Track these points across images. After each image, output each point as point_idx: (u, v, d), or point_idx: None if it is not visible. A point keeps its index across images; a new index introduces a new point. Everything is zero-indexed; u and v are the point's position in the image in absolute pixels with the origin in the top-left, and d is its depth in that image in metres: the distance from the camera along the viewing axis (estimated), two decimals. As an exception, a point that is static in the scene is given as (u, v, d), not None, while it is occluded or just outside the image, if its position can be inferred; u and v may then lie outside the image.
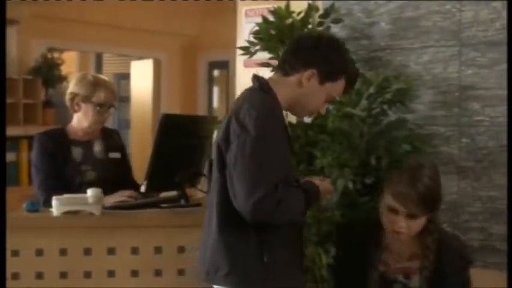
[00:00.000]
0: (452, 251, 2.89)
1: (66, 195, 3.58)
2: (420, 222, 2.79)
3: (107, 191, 3.72)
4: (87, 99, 4.05)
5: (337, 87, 2.81)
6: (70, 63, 9.48)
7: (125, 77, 10.82)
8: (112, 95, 4.12)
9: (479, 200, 3.50)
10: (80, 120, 4.10)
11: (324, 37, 2.91)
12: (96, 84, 4.08)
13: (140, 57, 10.09)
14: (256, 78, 2.82)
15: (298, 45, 2.84)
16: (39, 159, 4.01)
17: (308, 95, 2.78)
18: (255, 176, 2.56)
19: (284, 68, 2.81)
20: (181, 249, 3.59)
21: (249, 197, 2.55)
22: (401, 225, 2.76)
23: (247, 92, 2.80)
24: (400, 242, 2.85)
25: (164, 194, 4.00)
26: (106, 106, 4.08)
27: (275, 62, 3.66)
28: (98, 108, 4.04)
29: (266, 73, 3.74)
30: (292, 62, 2.79)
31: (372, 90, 3.45)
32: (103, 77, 4.35)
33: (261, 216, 2.58)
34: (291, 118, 3.74)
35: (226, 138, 2.69)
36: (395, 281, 2.88)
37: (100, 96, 4.05)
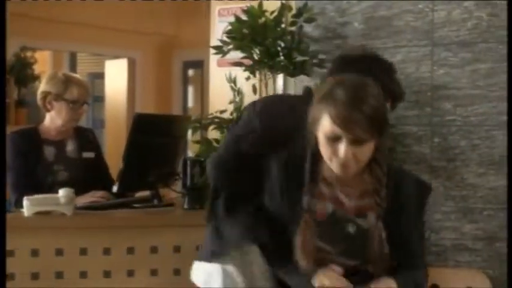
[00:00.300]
0: (407, 182, 2.52)
1: (37, 196, 3.56)
2: (367, 150, 2.35)
3: (80, 191, 3.70)
4: (59, 97, 4.02)
5: None
6: (43, 63, 9.43)
7: (99, 76, 10.78)
8: (85, 92, 4.10)
9: (452, 200, 3.51)
10: (53, 119, 4.07)
11: (376, 60, 2.98)
12: (67, 81, 4.05)
13: (115, 57, 10.05)
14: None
15: (349, 65, 2.83)
16: (11, 159, 3.98)
17: None
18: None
19: None
20: (154, 250, 3.58)
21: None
22: (347, 154, 2.31)
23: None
24: (348, 177, 2.43)
25: (139, 194, 3.99)
26: (79, 103, 4.05)
27: (248, 62, 3.66)
28: (71, 105, 4.02)
29: (239, 73, 3.76)
30: None
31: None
32: (74, 74, 4.33)
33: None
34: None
35: None
36: (348, 220, 2.45)
37: (73, 93, 4.02)
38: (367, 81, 2.38)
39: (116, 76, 9.98)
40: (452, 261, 3.51)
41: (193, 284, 2.94)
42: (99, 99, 10.81)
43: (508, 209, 3.30)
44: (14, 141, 4.03)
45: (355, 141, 2.30)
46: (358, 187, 2.47)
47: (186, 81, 10.22)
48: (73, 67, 11.03)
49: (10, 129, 6.51)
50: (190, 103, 10.24)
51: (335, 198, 2.47)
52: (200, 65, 9.42)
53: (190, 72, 10.26)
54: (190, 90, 10.32)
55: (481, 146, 3.44)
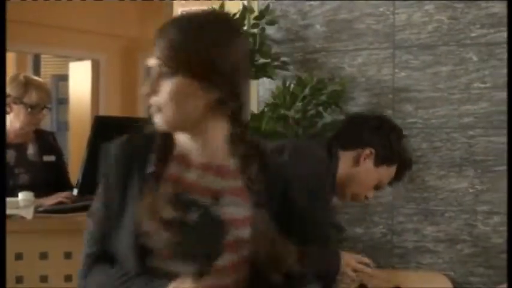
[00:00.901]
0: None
1: (-5, 199, 3.52)
2: (180, 87, 1.85)
3: (41, 194, 3.66)
4: (18, 100, 3.98)
5: (388, 172, 2.86)
6: (8, 64, 9.33)
7: (64, 78, 10.69)
8: (45, 96, 4.05)
9: (413, 202, 3.53)
10: (11, 122, 4.02)
11: (386, 120, 2.97)
12: (27, 84, 4.01)
13: (79, 59, 9.97)
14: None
15: (360, 122, 2.89)
16: None
17: (361, 173, 2.78)
18: None
19: (342, 141, 2.83)
20: (115, 253, 3.55)
21: None
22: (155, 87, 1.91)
23: None
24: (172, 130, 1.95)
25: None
26: (39, 107, 4.01)
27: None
28: (29, 109, 3.97)
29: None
30: (352, 137, 2.83)
31: (307, 92, 3.46)
32: (36, 77, 4.28)
33: None
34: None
35: None
36: (192, 203, 1.84)
37: (32, 97, 3.97)
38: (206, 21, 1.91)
39: (80, 78, 9.91)
40: (414, 263, 3.53)
41: None
42: (63, 101, 10.73)
43: (508, 209, 3.33)
44: None
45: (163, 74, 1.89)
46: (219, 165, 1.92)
47: (151, 83, 10.17)
48: (37, 69, 10.93)
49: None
50: (157, 106, 10.19)
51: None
52: (165, 67, 9.38)
53: (156, 74, 10.21)
54: (156, 92, 10.27)
55: (442, 149, 3.47)
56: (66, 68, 10.30)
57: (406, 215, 3.54)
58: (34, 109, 3.99)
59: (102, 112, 9.47)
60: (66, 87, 10.40)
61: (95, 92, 9.78)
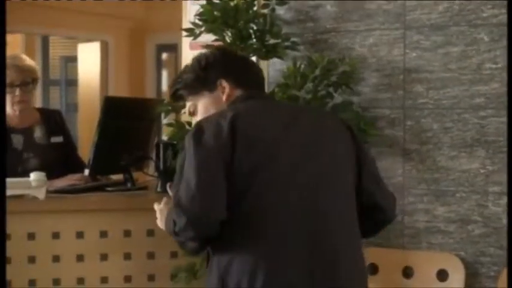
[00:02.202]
0: None
1: (9, 179, 3.52)
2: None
3: (52, 176, 3.67)
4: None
5: None
6: (15, 46, 9.33)
7: (72, 59, 10.70)
8: (16, 73, 3.94)
9: (424, 182, 3.53)
10: (7, 106, 4.02)
11: None
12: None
13: (87, 40, 9.98)
14: None
15: None
16: None
17: None
18: None
19: None
20: (127, 233, 3.58)
21: None
22: None
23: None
24: None
25: (114, 178, 3.98)
26: (13, 86, 3.93)
27: (220, 44, 3.64)
28: (8, 89, 3.92)
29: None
30: None
31: (317, 72, 3.46)
32: (16, 55, 4.21)
33: None
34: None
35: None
36: None
37: (7, 76, 3.91)
38: None
39: (88, 59, 9.92)
40: (425, 243, 3.54)
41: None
42: (72, 82, 10.74)
43: (508, 204, 3.33)
44: None
45: None
46: None
47: (159, 64, 10.19)
48: (45, 51, 10.94)
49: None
50: (164, 87, 10.21)
51: None
52: (174, 49, 9.38)
53: (164, 55, 10.22)
54: (164, 73, 10.28)
55: (453, 129, 3.47)
56: (75, 49, 10.31)
57: (417, 196, 3.55)
58: (11, 88, 3.92)
59: (110, 93, 9.48)
60: (75, 68, 10.41)
61: (103, 73, 9.80)
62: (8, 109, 4.01)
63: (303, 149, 2.47)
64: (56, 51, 11.36)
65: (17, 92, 3.93)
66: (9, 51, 8.30)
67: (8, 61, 3.98)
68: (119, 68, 9.92)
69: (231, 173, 2.36)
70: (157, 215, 2.68)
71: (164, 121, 4.06)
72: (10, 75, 3.90)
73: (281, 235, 2.37)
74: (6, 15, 3.51)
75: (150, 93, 9.90)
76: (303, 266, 2.36)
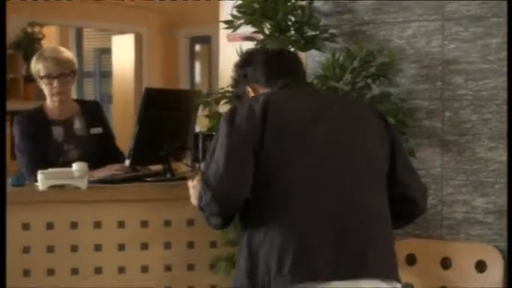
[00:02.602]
0: None
1: (51, 170, 3.59)
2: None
3: (91, 167, 3.72)
4: (37, 75, 4.02)
5: None
6: (50, 39, 9.42)
7: (106, 51, 10.79)
8: (55, 65, 4.00)
9: (463, 174, 3.53)
10: (47, 98, 4.09)
11: None
12: (38, 58, 4.02)
13: (121, 32, 10.05)
14: None
15: None
16: (21, 142, 4.00)
17: None
18: None
19: None
20: (167, 223, 3.62)
21: None
22: None
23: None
24: None
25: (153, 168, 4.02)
26: (51, 77, 3.99)
27: (258, 36, 3.67)
28: (45, 80, 3.99)
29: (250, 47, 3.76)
30: None
31: (355, 64, 3.47)
32: (54, 48, 4.27)
33: None
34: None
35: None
36: None
37: (42, 68, 3.97)
38: None
39: (123, 51, 9.99)
40: (464, 234, 3.55)
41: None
42: (106, 74, 10.83)
43: (508, 205, 3.33)
44: (21, 124, 4.04)
45: None
46: None
47: (193, 56, 10.23)
48: (79, 43, 11.04)
49: (20, 104, 6.59)
50: (198, 78, 10.25)
51: None
52: (207, 41, 9.43)
53: (197, 47, 10.26)
54: (198, 65, 10.32)
55: (492, 120, 3.46)
56: (108, 41, 10.39)
57: (455, 187, 3.55)
58: (48, 79, 3.98)
59: (144, 85, 9.53)
60: (109, 60, 10.49)
61: (138, 65, 9.86)
62: (48, 101, 4.07)
63: (332, 138, 2.55)
64: (90, 43, 11.46)
65: (55, 83, 3.98)
66: (45, 43, 8.44)
67: (47, 53, 4.05)
68: (153, 60, 9.98)
69: (261, 155, 2.50)
70: (190, 191, 2.79)
71: (200, 112, 4.09)
72: (48, 67, 3.96)
73: (310, 219, 2.46)
74: (5, 16, 3.57)
75: (183, 85, 9.96)
76: (330, 253, 2.42)
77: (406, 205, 2.69)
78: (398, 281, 2.54)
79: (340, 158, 2.54)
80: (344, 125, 2.60)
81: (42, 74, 3.97)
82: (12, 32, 7.96)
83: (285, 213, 2.48)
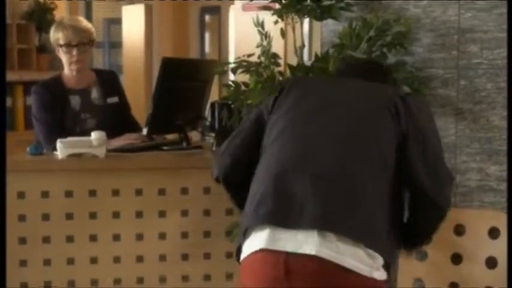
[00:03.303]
0: None
1: (70, 138, 3.63)
2: None
3: (108, 136, 3.76)
4: (55, 43, 4.06)
5: None
6: (60, 9, 9.42)
7: (116, 22, 10.76)
8: (74, 33, 4.04)
9: (477, 142, 3.55)
10: (65, 66, 4.12)
11: None
12: (57, 26, 4.07)
13: (131, 2, 10.03)
14: None
15: None
16: (39, 112, 4.04)
17: None
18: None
19: None
20: (184, 191, 3.66)
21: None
22: None
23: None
24: None
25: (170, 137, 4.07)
26: (71, 46, 4.04)
27: (275, 5, 3.68)
28: (64, 49, 4.02)
29: (265, 17, 3.77)
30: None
31: (372, 33, 3.48)
32: (74, 17, 4.31)
33: None
34: (291, 60, 3.80)
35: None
36: None
37: (62, 37, 4.01)
38: None
39: (133, 22, 9.97)
40: (478, 201, 3.57)
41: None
42: (116, 44, 10.81)
43: (508, 205, 3.35)
44: (39, 93, 4.08)
45: None
46: None
47: (203, 26, 10.21)
48: (89, 13, 11.01)
49: (33, 75, 6.61)
50: (207, 49, 10.25)
51: None
52: (217, 11, 9.41)
53: (207, 17, 10.24)
54: (207, 35, 10.31)
55: (507, 89, 3.47)
56: (119, 11, 10.36)
57: (469, 155, 3.58)
58: (68, 48, 4.03)
59: (155, 55, 9.54)
60: (119, 30, 10.47)
61: (148, 35, 9.85)
62: (66, 70, 4.11)
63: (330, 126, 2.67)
64: (99, 13, 11.42)
65: (74, 52, 4.02)
66: (58, 14, 8.42)
67: (66, 22, 4.08)
68: (163, 30, 9.96)
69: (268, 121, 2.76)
70: None
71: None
72: (68, 36, 4.00)
73: (284, 167, 2.60)
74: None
75: (193, 55, 9.94)
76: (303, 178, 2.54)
77: (419, 198, 2.71)
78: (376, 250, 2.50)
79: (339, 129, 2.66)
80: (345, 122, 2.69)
81: (61, 42, 4.00)
82: (24, 2, 7.97)
83: (266, 161, 2.66)
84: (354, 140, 2.62)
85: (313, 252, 2.40)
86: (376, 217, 2.54)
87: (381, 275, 2.51)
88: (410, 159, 2.65)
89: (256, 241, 2.51)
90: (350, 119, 2.67)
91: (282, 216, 2.49)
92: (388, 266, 2.56)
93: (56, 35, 4.03)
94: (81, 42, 4.04)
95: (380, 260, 2.50)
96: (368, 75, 2.89)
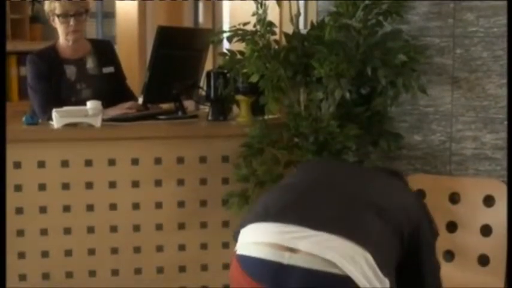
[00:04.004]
0: None
1: (66, 108, 3.63)
2: None
3: (104, 106, 3.75)
4: (52, 13, 4.02)
5: None
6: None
7: (109, -9, 10.70)
8: (70, 3, 4.00)
9: (473, 110, 3.56)
10: (60, 37, 4.09)
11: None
12: None
13: (124, -29, 9.96)
14: None
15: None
16: (35, 81, 4.03)
17: None
18: None
19: None
20: (180, 160, 3.66)
21: None
22: None
23: None
24: None
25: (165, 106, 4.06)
26: (67, 15, 4.00)
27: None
28: (61, 19, 4.00)
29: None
30: None
31: (367, 1, 3.46)
32: None
33: None
34: (286, 29, 3.78)
35: None
36: None
37: (57, 7, 3.98)
38: None
39: (126, -9, 9.90)
40: (473, 170, 3.59)
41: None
42: (109, 15, 10.73)
43: (508, 206, 3.36)
44: (34, 63, 4.06)
45: None
46: None
47: (196, -5, 10.16)
48: (81, -18, 10.94)
49: (26, 45, 6.56)
50: (201, 18, 10.20)
51: None
52: (211, -21, 9.36)
53: (201, -13, 10.19)
54: (201, 4, 10.26)
55: (503, 57, 3.47)
56: (112, -19, 10.31)
57: (465, 123, 3.58)
58: (65, 18, 3.99)
59: (148, 25, 9.49)
60: (112, 0, 10.42)
61: (141, 5, 9.79)
62: (61, 40, 4.08)
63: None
64: (92, -17, 11.36)
65: (71, 21, 4.00)
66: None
67: None
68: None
69: None
70: None
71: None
72: (64, 5, 3.97)
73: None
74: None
75: (187, 24, 9.89)
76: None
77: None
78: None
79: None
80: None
81: (58, 12, 3.98)
82: (17, -28, 7.91)
83: None
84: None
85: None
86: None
87: None
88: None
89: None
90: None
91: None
92: None
93: (51, 5, 4.00)
94: (78, 11, 4.01)
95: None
96: None
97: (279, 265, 2.35)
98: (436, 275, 2.71)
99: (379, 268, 2.36)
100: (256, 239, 2.44)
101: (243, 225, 2.54)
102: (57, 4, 3.98)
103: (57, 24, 4.03)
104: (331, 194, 2.57)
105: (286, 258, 2.35)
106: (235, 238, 2.57)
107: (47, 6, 4.04)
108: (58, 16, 3.99)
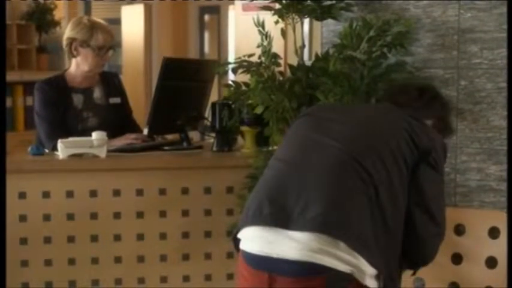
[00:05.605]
0: None
1: (71, 138, 3.65)
2: None
3: (109, 136, 3.77)
4: (85, 43, 4.06)
5: None
6: (59, 9, 9.42)
7: (116, 22, 10.75)
8: (109, 37, 4.14)
9: (477, 142, 3.56)
10: (78, 65, 4.12)
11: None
12: (92, 27, 4.09)
13: (130, 2, 10.04)
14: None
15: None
16: (42, 109, 4.05)
17: None
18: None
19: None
20: (184, 191, 3.67)
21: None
22: None
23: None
24: None
25: (170, 137, 4.07)
26: (105, 48, 4.10)
27: (275, 5, 3.68)
28: (96, 51, 4.06)
29: (266, 17, 3.78)
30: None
31: (372, 33, 3.49)
32: (99, 20, 4.35)
33: None
34: (291, 60, 3.80)
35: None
36: None
37: (98, 39, 4.06)
38: None
39: (132, 22, 9.98)
40: (477, 201, 3.58)
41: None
42: (116, 45, 10.82)
43: (508, 206, 3.36)
44: (42, 91, 4.09)
45: None
46: None
47: (202, 26, 10.22)
48: (88, 13, 11.01)
49: (33, 75, 6.61)
50: (207, 49, 10.25)
51: None
52: (216, 11, 9.42)
53: (207, 17, 10.25)
54: (207, 35, 10.32)
55: (507, 89, 3.48)
56: (118, 11, 10.37)
57: (469, 155, 3.58)
58: (101, 51, 4.08)
59: (154, 55, 9.55)
60: (118, 30, 10.47)
61: (147, 35, 9.86)
62: (73, 69, 4.14)
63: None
64: (99, 13, 11.41)
65: (108, 54, 4.15)
66: (56, 14, 8.40)
67: (96, 23, 4.12)
68: (162, 30, 9.96)
69: None
70: None
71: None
72: (106, 38, 4.11)
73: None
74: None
75: (193, 55, 9.95)
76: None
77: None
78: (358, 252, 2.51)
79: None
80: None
81: (97, 43, 4.03)
82: (24, 2, 7.98)
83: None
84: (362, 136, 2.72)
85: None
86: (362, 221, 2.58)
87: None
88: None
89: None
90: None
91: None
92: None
93: (88, 35, 4.04)
94: (112, 45, 4.15)
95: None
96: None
97: (270, 259, 2.50)
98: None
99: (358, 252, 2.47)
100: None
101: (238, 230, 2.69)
102: (99, 36, 4.03)
103: (82, 54, 4.06)
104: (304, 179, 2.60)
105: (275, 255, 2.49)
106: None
107: (73, 34, 4.07)
108: (97, 48, 4.03)
